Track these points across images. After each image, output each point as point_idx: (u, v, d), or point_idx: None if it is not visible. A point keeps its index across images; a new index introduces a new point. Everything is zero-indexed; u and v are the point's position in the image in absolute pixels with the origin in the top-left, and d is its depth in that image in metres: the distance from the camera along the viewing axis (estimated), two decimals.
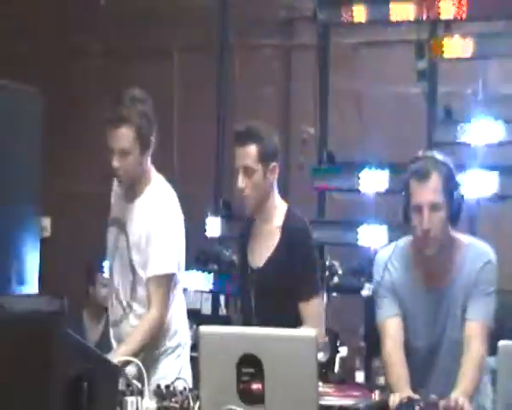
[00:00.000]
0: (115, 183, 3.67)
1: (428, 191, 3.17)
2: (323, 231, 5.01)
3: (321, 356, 3.37)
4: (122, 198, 3.63)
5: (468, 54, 5.15)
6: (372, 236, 4.97)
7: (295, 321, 3.40)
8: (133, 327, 3.51)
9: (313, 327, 3.39)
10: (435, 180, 3.18)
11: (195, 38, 6.45)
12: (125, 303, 3.57)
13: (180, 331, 3.65)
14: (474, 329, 3.18)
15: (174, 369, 3.53)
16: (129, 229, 3.55)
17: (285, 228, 3.49)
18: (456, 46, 5.05)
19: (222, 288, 5.49)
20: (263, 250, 3.53)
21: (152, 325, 3.48)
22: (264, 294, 3.45)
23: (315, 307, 3.49)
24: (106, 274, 3.73)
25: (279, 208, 3.53)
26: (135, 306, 3.55)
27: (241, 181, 3.42)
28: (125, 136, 3.42)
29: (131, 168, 3.49)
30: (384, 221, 4.94)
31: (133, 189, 3.57)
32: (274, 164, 3.46)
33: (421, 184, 3.18)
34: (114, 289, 3.60)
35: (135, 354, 3.29)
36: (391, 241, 3.74)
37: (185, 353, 3.66)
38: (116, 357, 3.18)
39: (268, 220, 3.52)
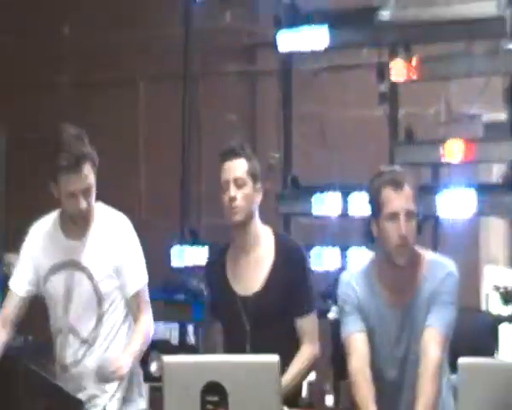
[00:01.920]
0: (35, 232, 3.59)
1: (404, 199, 3.18)
2: None
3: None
4: (62, 240, 3.58)
5: (428, 76, 5.23)
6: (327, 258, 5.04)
7: (293, 339, 3.45)
8: (99, 361, 3.43)
9: (314, 341, 3.51)
10: (408, 190, 3.20)
11: (160, 66, 6.48)
12: (86, 337, 3.56)
13: None
14: (432, 336, 3.18)
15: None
16: (90, 264, 3.53)
17: (279, 249, 3.49)
18: (417, 68, 5.11)
19: (190, 317, 5.47)
20: (254, 276, 3.51)
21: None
22: (261, 318, 3.42)
23: (314, 322, 3.51)
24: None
25: (264, 232, 3.53)
26: (99, 340, 3.51)
27: (233, 191, 3.41)
28: (85, 176, 3.40)
29: (89, 205, 3.45)
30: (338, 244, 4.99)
31: (80, 227, 3.53)
32: (259, 185, 3.48)
33: (396, 192, 3.17)
34: (72, 330, 3.57)
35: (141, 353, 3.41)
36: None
37: None
38: (128, 357, 3.28)
39: (254, 246, 3.52)
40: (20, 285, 3.61)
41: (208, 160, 5.97)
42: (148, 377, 4.59)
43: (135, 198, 6.35)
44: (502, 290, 5.02)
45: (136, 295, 3.50)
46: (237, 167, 3.44)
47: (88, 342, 3.53)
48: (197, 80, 5.93)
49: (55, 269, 3.57)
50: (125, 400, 3.40)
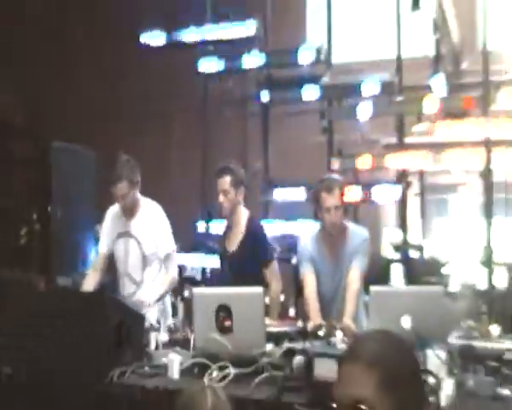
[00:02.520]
0: (108, 214, 3.58)
1: (334, 199, 3.18)
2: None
3: (267, 300, 3.35)
4: (122, 218, 3.52)
5: (350, 116, 5.21)
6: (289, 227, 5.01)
7: (259, 282, 3.31)
8: (143, 295, 3.41)
9: (278, 283, 3.48)
10: (337, 191, 3.19)
11: (188, 113, 6.42)
12: (138, 280, 3.51)
13: None
14: (354, 274, 3.20)
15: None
16: (137, 234, 3.49)
17: (248, 226, 3.48)
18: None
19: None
20: (234, 240, 3.51)
21: (171, 281, 3.48)
22: (237, 266, 3.43)
23: (275, 268, 3.46)
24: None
25: (243, 214, 3.51)
26: (144, 283, 3.49)
27: (221, 199, 3.41)
28: (122, 189, 3.40)
29: (131, 203, 3.46)
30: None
31: (131, 211, 3.51)
32: (242, 188, 3.45)
33: (329, 195, 3.18)
34: (128, 274, 3.51)
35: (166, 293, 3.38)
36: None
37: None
38: (154, 300, 3.23)
39: (237, 223, 3.51)
40: (102, 246, 3.59)
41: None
42: (183, 298, 4.55)
43: (172, 192, 6.36)
44: (392, 243, 5.01)
45: (166, 257, 3.46)
46: (223, 183, 3.40)
47: (137, 283, 3.50)
48: (211, 120, 5.85)
49: (118, 237, 3.55)
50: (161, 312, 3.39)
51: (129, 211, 3.48)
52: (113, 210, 3.57)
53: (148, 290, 3.43)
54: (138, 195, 3.50)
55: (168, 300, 3.58)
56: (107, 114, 6.77)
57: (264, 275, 3.42)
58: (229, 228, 3.56)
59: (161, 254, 3.47)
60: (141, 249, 3.48)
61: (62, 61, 7.05)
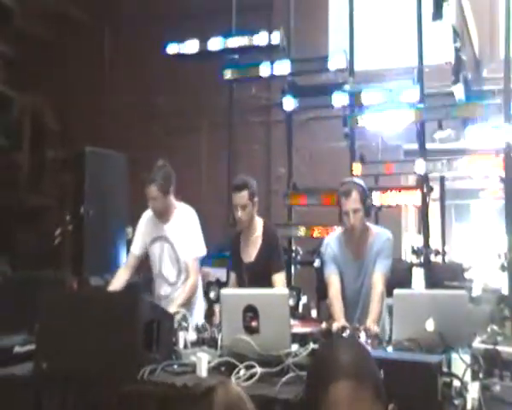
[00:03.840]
0: (143, 217, 3.59)
1: (351, 202, 3.17)
2: (291, 230, 5.01)
3: (290, 302, 3.35)
4: (157, 223, 3.54)
5: (370, 124, 5.17)
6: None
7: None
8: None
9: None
10: (355, 195, 3.18)
11: (214, 120, 6.45)
12: (172, 282, 3.53)
13: (200, 291, 3.65)
14: (378, 276, 3.18)
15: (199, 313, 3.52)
16: (171, 238, 3.51)
17: (264, 235, 3.46)
18: (365, 120, 5.07)
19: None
20: (252, 250, 3.48)
21: (191, 289, 3.47)
22: (256, 276, 3.38)
23: (283, 278, 3.45)
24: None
25: (258, 224, 3.49)
26: (179, 285, 3.52)
27: (240, 213, 3.38)
28: (153, 192, 3.42)
29: (162, 206, 3.47)
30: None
31: (165, 215, 3.52)
32: (256, 199, 3.44)
33: (346, 199, 3.18)
34: (164, 277, 3.54)
35: (183, 305, 3.32)
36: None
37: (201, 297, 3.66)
38: (177, 305, 3.24)
39: (253, 232, 3.48)
40: (135, 248, 3.61)
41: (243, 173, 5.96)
42: (209, 300, 4.55)
43: (202, 201, 6.40)
44: (414, 247, 4.96)
45: (190, 262, 3.45)
46: (241, 198, 3.37)
47: (172, 284, 3.52)
48: (236, 127, 5.87)
49: (154, 240, 3.57)
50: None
51: (162, 215, 3.50)
52: (149, 214, 3.59)
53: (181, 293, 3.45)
54: (172, 200, 3.51)
55: (201, 301, 3.57)
56: (136, 125, 6.84)
57: (274, 281, 3.36)
58: (244, 239, 3.51)
59: (185, 258, 3.48)
60: (175, 253, 3.50)
61: (96, 72, 7.15)
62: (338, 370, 1.20)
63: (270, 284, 3.33)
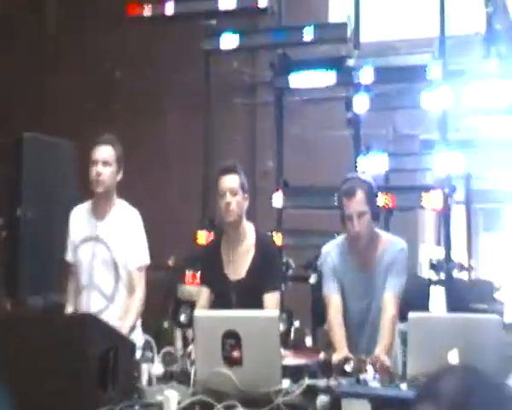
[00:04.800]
0: (73, 214, 3.61)
1: (355, 204, 3.18)
2: (280, 238, 4.99)
3: (280, 328, 3.34)
4: (89, 219, 3.55)
5: (381, 107, 5.21)
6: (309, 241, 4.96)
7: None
8: (115, 313, 3.45)
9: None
10: (360, 195, 3.18)
11: (186, 101, 6.44)
12: (109, 294, 3.50)
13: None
14: (389, 298, 3.19)
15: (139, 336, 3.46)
16: (106, 239, 3.49)
17: (258, 245, 3.42)
18: (373, 101, 5.10)
19: None
20: (240, 265, 3.42)
21: (139, 304, 3.47)
22: (244, 297, 3.34)
23: (277, 299, 3.41)
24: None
25: (249, 229, 3.47)
26: (117, 297, 3.50)
27: (229, 198, 3.36)
28: (106, 153, 3.47)
29: (109, 182, 3.48)
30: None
31: (103, 206, 3.52)
32: (247, 195, 3.44)
33: (349, 200, 3.19)
34: (96, 286, 3.51)
35: (132, 327, 3.34)
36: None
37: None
38: (125, 331, 3.20)
39: (241, 239, 3.44)
40: (69, 254, 3.61)
41: None
42: (179, 324, 4.52)
43: (169, 197, 6.37)
44: (432, 261, 5.00)
45: (134, 271, 3.47)
46: (232, 181, 3.37)
47: (108, 298, 3.49)
48: (214, 110, 5.86)
49: (83, 241, 3.54)
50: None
51: (101, 205, 3.48)
52: (81, 209, 3.60)
53: (121, 310, 3.44)
54: (114, 190, 3.53)
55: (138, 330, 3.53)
56: (88, 108, 6.80)
57: (266, 302, 3.34)
58: (228, 248, 3.47)
59: (131, 266, 3.48)
60: (111, 257, 3.48)
61: (41, 46, 7.11)
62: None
63: (261, 306, 3.30)
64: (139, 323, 3.54)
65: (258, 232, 3.50)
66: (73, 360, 2.50)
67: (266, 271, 3.38)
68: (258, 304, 3.29)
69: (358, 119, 5.12)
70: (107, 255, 3.48)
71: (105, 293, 3.49)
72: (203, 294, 3.48)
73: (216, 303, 3.45)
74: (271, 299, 3.35)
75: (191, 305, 4.23)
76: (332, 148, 5.92)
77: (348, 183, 3.27)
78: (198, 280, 3.75)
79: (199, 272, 4.04)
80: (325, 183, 5.13)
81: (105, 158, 3.44)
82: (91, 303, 3.49)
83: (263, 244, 3.45)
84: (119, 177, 3.50)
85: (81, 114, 6.73)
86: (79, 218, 3.59)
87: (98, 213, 3.52)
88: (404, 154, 5.11)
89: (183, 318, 4.42)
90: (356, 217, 3.17)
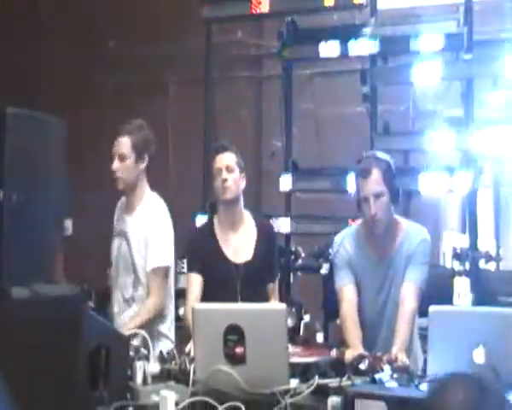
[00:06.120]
0: (119, 203, 3.67)
1: (371, 184, 3.17)
2: (289, 225, 5.01)
3: (288, 322, 3.38)
4: (122, 212, 3.60)
5: (400, 79, 5.18)
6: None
7: (265, 298, 3.48)
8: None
9: (277, 301, 3.55)
10: (376, 174, 3.18)
11: (185, 73, 6.42)
12: (128, 298, 3.54)
13: (170, 316, 3.65)
14: (409, 289, 3.20)
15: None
16: (132, 235, 3.53)
17: (260, 228, 3.55)
18: (391, 75, 5.08)
19: None
20: (244, 247, 3.52)
21: (152, 308, 3.48)
22: (251, 281, 3.44)
23: (277, 286, 3.61)
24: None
25: (246, 215, 3.58)
26: (134, 304, 3.53)
27: (225, 174, 3.45)
28: (123, 146, 3.50)
29: (128, 177, 3.53)
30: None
31: (131, 201, 3.56)
32: (243, 175, 3.53)
33: (365, 180, 3.19)
34: (120, 287, 3.56)
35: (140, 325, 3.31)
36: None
37: (172, 334, 3.66)
38: (126, 330, 3.17)
39: (241, 222, 3.54)
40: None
41: None
42: (178, 318, 4.54)
43: (165, 180, 6.35)
44: (457, 250, 4.98)
45: (153, 272, 3.47)
46: (228, 158, 3.47)
47: (127, 300, 3.52)
48: (215, 84, 5.85)
49: (115, 235, 3.63)
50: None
51: (126, 192, 3.53)
52: (121, 201, 3.67)
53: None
54: (144, 180, 3.56)
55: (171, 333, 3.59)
56: (77, 81, 6.79)
57: (270, 293, 3.51)
58: (226, 230, 3.54)
59: (148, 266, 3.49)
60: (131, 257, 3.51)
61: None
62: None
63: (263, 295, 3.37)
64: (168, 331, 3.56)
65: (257, 217, 3.64)
66: (61, 356, 2.50)
67: (270, 258, 3.52)
68: (263, 291, 3.42)
69: (375, 93, 5.09)
70: (127, 254, 3.52)
71: (124, 294, 3.54)
72: (194, 281, 3.49)
73: (214, 290, 3.46)
74: (275, 290, 3.52)
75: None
76: (346, 126, 5.92)
77: (364, 162, 3.27)
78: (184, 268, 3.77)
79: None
80: (338, 164, 5.13)
81: (121, 152, 3.48)
82: (114, 302, 3.56)
83: (264, 228, 3.59)
84: (143, 165, 3.49)
85: (68, 90, 6.72)
86: (118, 210, 3.67)
87: (128, 207, 3.59)
88: (427, 132, 5.08)
89: (182, 311, 4.42)
90: (372, 198, 3.17)
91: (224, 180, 3.44)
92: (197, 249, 3.57)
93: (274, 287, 3.55)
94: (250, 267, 3.48)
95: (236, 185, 3.47)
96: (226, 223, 3.55)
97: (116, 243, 3.58)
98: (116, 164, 3.47)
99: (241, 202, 3.55)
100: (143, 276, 3.49)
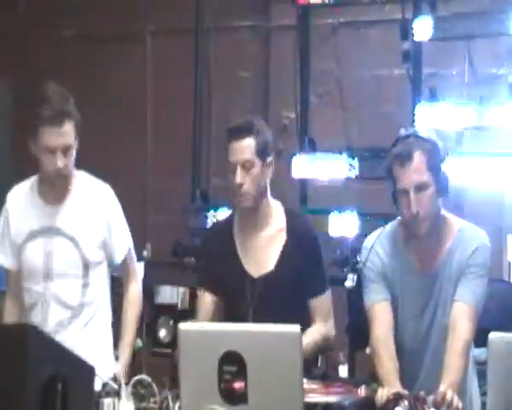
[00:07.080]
0: (12, 198, 3.63)
1: (411, 173, 3.17)
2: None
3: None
4: (42, 205, 3.57)
5: (452, 33, 5.17)
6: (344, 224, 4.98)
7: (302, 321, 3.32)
8: (84, 328, 3.55)
9: (329, 320, 3.55)
10: (419, 160, 3.18)
11: (170, 21, 6.43)
12: (72, 306, 3.55)
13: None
14: (462, 310, 3.19)
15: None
16: (71, 230, 3.53)
17: (291, 230, 3.50)
18: (441, 26, 5.06)
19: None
20: (265, 256, 3.52)
21: (139, 297, 3.63)
22: (268, 300, 3.44)
23: (329, 301, 3.55)
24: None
25: (275, 210, 3.54)
26: (86, 307, 3.56)
27: (240, 177, 3.38)
28: (66, 132, 3.42)
29: (69, 167, 3.49)
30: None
31: (59, 188, 3.54)
32: (271, 159, 3.47)
33: (404, 168, 3.18)
34: (55, 297, 3.55)
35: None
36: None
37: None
38: (125, 350, 3.44)
39: (266, 224, 3.52)
40: (6, 258, 3.65)
41: (218, 120, 5.96)
42: (158, 343, 4.57)
43: (143, 160, 6.36)
44: None
45: (124, 262, 3.62)
46: (245, 149, 3.40)
47: (73, 308, 3.55)
48: (208, 35, 5.85)
49: (33, 235, 3.56)
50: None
51: (60, 186, 3.51)
52: (22, 191, 3.61)
53: (98, 323, 3.53)
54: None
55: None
56: (31, 33, 6.81)
57: (313, 309, 3.49)
58: (245, 235, 3.56)
59: (117, 259, 3.59)
60: (81, 254, 3.53)
61: None
62: None
63: (299, 316, 3.31)
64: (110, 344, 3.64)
65: (290, 211, 3.58)
66: (6, 389, 2.50)
67: (307, 266, 3.46)
68: (293, 312, 3.37)
69: (419, 51, 5.09)
70: (72, 253, 3.52)
71: (68, 303, 3.55)
72: (204, 302, 3.57)
73: (225, 309, 3.56)
74: (321, 305, 3.49)
75: (176, 314, 4.28)
76: (379, 93, 5.92)
77: (402, 143, 3.26)
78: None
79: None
80: (368, 143, 5.15)
81: (64, 143, 3.40)
82: (49, 318, 3.55)
83: (298, 228, 3.52)
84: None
85: (21, 44, 6.74)
86: (26, 201, 3.60)
87: (53, 194, 3.54)
88: (485, 102, 5.07)
89: (163, 333, 4.46)
90: (413, 191, 3.17)
91: (239, 186, 3.40)
92: (210, 255, 3.63)
93: (319, 305, 3.50)
94: (270, 281, 3.46)
95: (257, 185, 3.42)
96: (247, 226, 3.55)
97: (39, 244, 3.54)
98: (56, 162, 3.40)
99: (267, 198, 3.51)
100: (95, 274, 3.56)
